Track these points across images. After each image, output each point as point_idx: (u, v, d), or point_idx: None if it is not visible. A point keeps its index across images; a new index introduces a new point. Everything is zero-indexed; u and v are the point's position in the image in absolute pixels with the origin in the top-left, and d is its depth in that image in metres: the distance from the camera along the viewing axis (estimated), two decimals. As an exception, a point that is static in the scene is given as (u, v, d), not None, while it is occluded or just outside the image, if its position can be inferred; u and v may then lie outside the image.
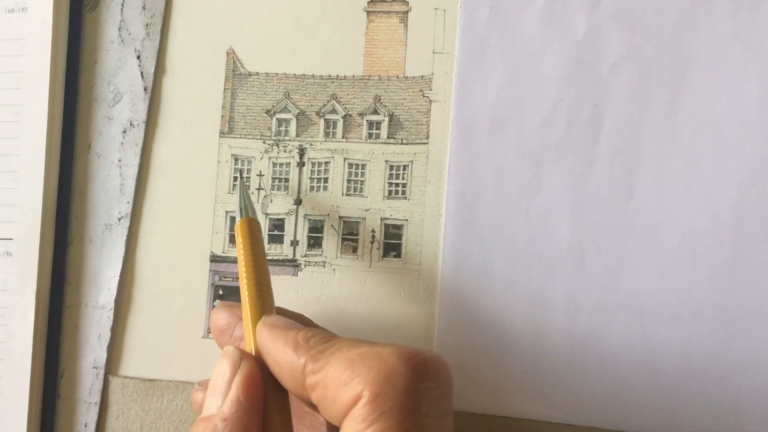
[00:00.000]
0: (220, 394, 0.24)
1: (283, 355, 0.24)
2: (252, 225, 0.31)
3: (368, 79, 0.36)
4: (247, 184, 0.36)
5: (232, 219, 0.36)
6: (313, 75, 0.36)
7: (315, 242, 0.36)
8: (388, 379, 0.21)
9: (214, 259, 0.36)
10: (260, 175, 0.36)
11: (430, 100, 0.35)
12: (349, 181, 0.36)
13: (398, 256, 0.35)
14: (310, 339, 0.24)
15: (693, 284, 0.33)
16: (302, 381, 0.23)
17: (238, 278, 0.35)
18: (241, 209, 0.32)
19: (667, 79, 0.34)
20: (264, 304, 0.28)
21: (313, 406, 0.24)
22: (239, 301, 0.35)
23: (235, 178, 0.36)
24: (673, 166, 0.34)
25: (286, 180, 0.36)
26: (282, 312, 0.29)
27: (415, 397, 0.21)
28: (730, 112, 0.33)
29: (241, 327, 0.30)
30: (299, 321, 0.30)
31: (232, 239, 0.36)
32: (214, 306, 0.36)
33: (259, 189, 0.36)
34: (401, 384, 0.21)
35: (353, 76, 0.36)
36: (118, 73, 0.37)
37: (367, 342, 0.23)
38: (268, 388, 0.25)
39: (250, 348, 0.26)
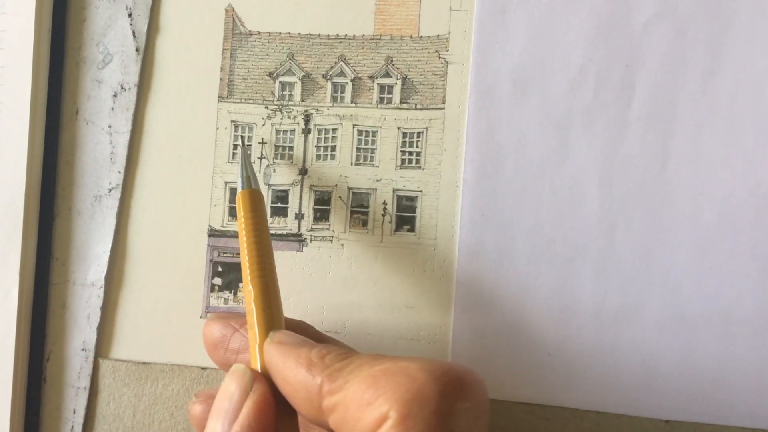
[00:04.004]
0: (227, 418, 0.23)
1: (296, 375, 0.22)
2: (255, 197, 0.29)
3: (379, 38, 0.34)
4: (249, 152, 0.34)
5: (232, 190, 0.34)
6: (319, 34, 0.34)
7: (322, 215, 0.34)
8: (416, 398, 0.20)
9: (213, 233, 0.34)
10: (262, 143, 0.34)
11: (447, 62, 0.33)
12: (358, 149, 0.34)
13: (412, 230, 0.33)
14: (325, 356, 0.23)
15: (732, 260, 0.31)
16: (318, 403, 0.22)
17: (238, 254, 0.33)
18: (242, 180, 0.30)
19: (705, 38, 0.32)
20: (272, 316, 0.26)
21: (327, 431, 0.22)
22: (239, 275, 0.33)
23: (236, 146, 0.34)
24: (711, 133, 0.32)
25: (291, 148, 0.34)
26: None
27: (447, 418, 0.20)
28: (774, 75, 0.31)
29: (237, 338, 0.28)
30: (300, 328, 0.28)
31: (232, 212, 0.34)
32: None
33: (261, 158, 0.34)
34: (432, 404, 0.20)
35: (363, 35, 0.34)
36: (108, 32, 0.35)
37: (389, 357, 0.22)
38: (278, 411, 0.23)
39: (256, 365, 0.25)
